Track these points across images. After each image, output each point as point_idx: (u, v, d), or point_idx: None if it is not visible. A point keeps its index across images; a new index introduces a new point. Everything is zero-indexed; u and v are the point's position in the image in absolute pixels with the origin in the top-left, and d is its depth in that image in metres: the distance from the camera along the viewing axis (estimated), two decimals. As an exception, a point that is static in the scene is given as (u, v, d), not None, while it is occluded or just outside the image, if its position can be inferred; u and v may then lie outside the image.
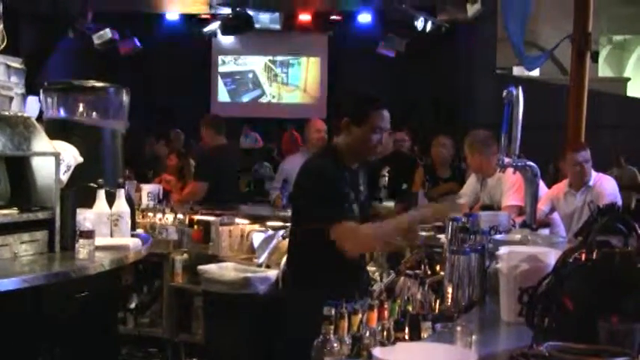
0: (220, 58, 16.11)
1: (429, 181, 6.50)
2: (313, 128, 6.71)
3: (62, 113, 4.45)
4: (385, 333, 2.44)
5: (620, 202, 5.07)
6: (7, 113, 3.73)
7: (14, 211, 3.55)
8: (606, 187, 5.28)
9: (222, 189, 6.91)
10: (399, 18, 12.64)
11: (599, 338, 1.61)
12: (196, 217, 6.34)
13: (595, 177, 5.33)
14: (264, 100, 16.20)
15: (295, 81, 16.13)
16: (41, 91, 4.44)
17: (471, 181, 5.57)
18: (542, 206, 4.99)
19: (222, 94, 16.21)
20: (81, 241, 3.57)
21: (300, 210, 3.59)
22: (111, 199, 4.01)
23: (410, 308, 2.64)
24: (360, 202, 3.52)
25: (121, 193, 4.06)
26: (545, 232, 3.84)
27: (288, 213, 6.19)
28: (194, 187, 6.93)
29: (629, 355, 1.42)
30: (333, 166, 3.46)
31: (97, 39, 12.53)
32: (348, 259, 3.36)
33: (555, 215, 5.31)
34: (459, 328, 2.04)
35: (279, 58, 16.11)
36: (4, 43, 3.81)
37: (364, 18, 14.34)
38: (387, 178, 6.12)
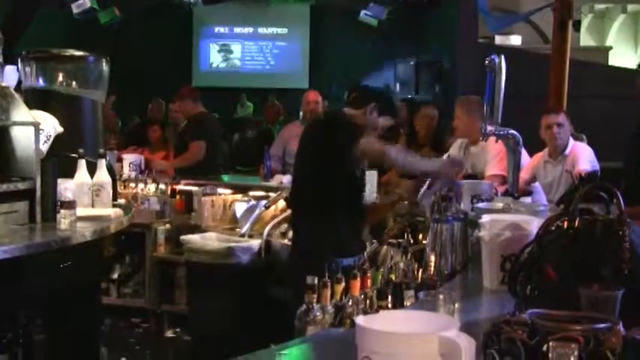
0: (201, 27, 15.96)
1: (410, 148, 6.49)
2: (306, 100, 6.81)
3: (41, 82, 4.39)
4: (368, 302, 2.45)
5: (597, 168, 5.07)
6: (-15, 83, 3.68)
7: (-7, 181, 3.51)
8: (581, 153, 5.27)
9: (207, 155, 6.92)
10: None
11: (581, 305, 1.62)
12: (178, 187, 6.33)
13: (571, 145, 5.33)
14: (245, 70, 16.10)
15: (277, 50, 16.03)
16: (19, 60, 4.38)
17: (454, 150, 5.57)
18: (524, 175, 5.00)
19: (204, 64, 16.08)
20: (62, 211, 3.54)
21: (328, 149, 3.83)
22: (92, 170, 3.98)
23: (393, 277, 2.65)
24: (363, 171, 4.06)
25: (102, 163, 4.03)
26: (528, 200, 3.84)
27: (270, 183, 6.22)
28: (194, 147, 6.90)
29: (611, 321, 1.42)
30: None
31: (75, 8, 12.35)
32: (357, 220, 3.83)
33: (537, 184, 5.33)
34: (441, 296, 2.05)
35: (260, 28, 15.98)
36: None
37: (346, -14, 14.23)
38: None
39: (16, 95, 3.77)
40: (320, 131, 3.96)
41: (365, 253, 3.42)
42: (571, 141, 5.35)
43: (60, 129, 3.94)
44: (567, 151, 5.27)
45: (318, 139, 3.88)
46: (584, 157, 5.22)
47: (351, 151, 3.75)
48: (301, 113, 7.01)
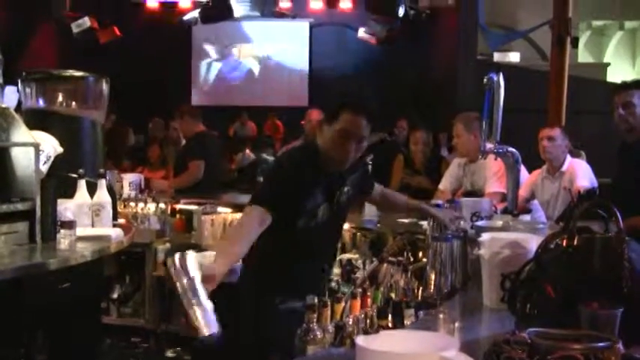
0: (200, 46, 16.01)
1: (407, 168, 6.51)
2: (309, 118, 6.81)
3: (41, 103, 4.40)
4: (368, 321, 2.45)
5: (595, 185, 5.07)
6: (-15, 104, 3.69)
7: (-6, 202, 3.51)
8: (578, 170, 5.26)
9: (207, 173, 6.92)
10: (381, 4, 12.62)
11: (581, 323, 1.62)
12: (178, 207, 6.32)
13: (568, 162, 5.33)
14: (245, 88, 16.12)
15: (277, 68, 16.06)
16: (19, 80, 4.40)
17: (454, 167, 5.58)
18: (523, 193, 5.00)
19: (203, 82, 16.12)
20: (62, 231, 3.54)
21: None
22: (92, 189, 3.98)
23: (393, 295, 2.65)
24: (337, 205, 3.26)
25: (102, 183, 4.03)
26: (527, 218, 3.85)
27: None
28: (193, 167, 6.89)
29: (610, 340, 1.42)
30: (304, 162, 3.22)
31: (75, 27, 12.40)
32: (307, 263, 3.28)
33: (536, 201, 5.33)
34: (441, 315, 2.06)
35: (260, 46, 16.03)
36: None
37: (345, 4, 14.29)
38: (370, 167, 6.13)
39: (16, 116, 3.77)
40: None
41: (365, 272, 3.41)
42: (568, 157, 5.35)
43: (60, 149, 3.94)
44: (564, 167, 5.27)
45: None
46: (581, 173, 5.22)
47: (271, 179, 3.30)
48: (305, 131, 6.99)
